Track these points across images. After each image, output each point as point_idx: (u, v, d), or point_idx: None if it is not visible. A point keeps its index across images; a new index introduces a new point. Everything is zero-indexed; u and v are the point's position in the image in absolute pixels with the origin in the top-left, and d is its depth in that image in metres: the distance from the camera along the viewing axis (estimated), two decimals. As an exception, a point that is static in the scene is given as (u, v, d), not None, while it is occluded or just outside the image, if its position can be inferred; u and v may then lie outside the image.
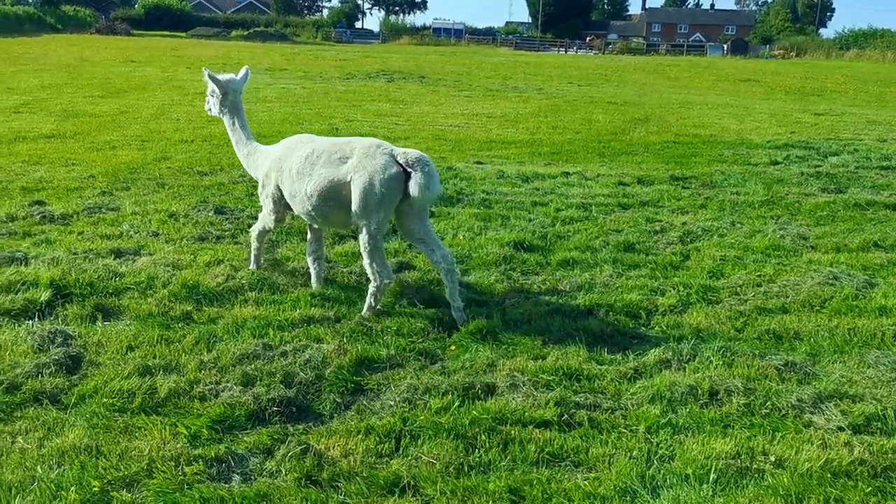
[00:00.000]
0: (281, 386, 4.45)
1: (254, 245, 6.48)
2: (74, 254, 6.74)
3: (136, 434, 3.98)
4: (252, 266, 6.48)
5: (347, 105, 20.05)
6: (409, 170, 5.40)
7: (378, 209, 5.49)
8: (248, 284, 6.05)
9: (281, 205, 6.08)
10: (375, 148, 5.55)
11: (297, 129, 15.34)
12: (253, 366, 4.69)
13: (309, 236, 6.27)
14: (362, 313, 5.69)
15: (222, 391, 4.40)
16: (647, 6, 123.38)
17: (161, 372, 4.61)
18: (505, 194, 9.69)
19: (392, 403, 4.37)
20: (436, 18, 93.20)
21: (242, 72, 6.65)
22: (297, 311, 5.59)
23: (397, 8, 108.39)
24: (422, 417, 4.21)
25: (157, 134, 14.54)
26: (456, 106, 20.82)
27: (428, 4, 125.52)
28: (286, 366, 4.70)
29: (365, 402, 4.41)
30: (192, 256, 6.77)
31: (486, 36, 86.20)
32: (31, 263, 6.49)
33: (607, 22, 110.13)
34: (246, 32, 76.20)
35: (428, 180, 5.36)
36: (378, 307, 5.72)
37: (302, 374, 4.61)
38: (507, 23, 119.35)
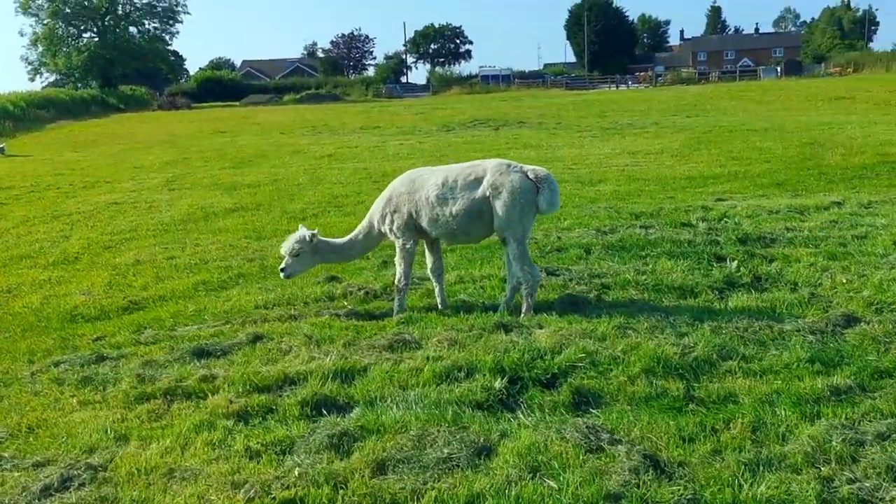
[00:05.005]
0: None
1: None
2: (465, 331, 6.04)
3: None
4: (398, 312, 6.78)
5: (494, 154, 19.44)
6: (538, 185, 6.19)
7: (521, 219, 6.26)
8: (712, 352, 5.25)
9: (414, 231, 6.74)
10: (506, 166, 6.36)
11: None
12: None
13: (429, 256, 6.94)
14: (523, 314, 6.39)
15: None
16: (685, 37, 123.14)
17: (764, 468, 3.82)
18: (805, 230, 8.88)
19: None
20: (482, 66, 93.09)
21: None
22: (814, 381, 4.78)
23: (442, 59, 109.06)
24: None
25: (342, 198, 14.03)
26: (599, 147, 20.20)
27: (472, 53, 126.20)
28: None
29: None
30: (590, 326, 6.00)
31: (535, 79, 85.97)
32: (424, 345, 5.83)
33: (651, 55, 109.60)
34: (298, 96, 76.87)
35: (552, 196, 6.23)
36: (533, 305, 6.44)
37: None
38: (546, 65, 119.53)
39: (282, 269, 6.95)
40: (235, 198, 15.01)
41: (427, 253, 7.01)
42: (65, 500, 4.00)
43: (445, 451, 4.13)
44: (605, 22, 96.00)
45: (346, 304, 7.22)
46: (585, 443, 4.13)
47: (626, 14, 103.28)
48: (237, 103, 75.95)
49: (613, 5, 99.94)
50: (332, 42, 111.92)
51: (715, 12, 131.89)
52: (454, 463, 4.04)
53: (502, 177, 6.31)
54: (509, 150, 20.33)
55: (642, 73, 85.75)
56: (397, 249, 6.86)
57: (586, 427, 4.25)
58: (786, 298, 6.40)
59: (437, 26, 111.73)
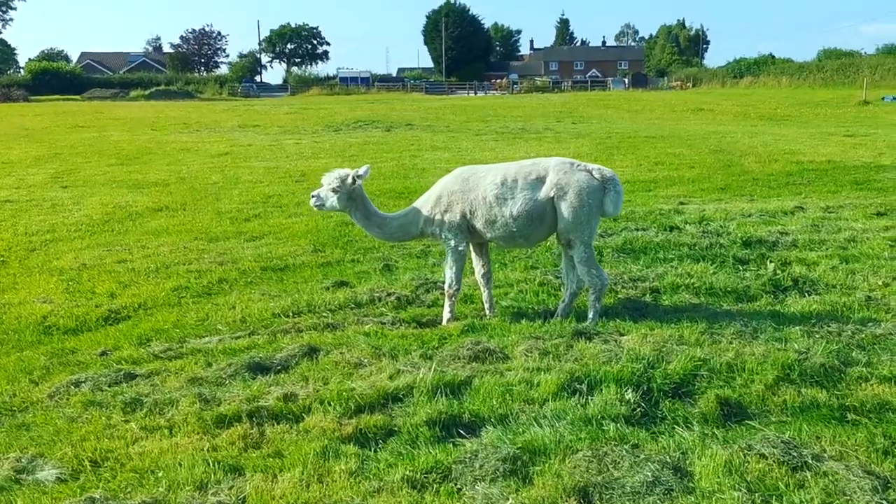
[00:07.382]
0: None
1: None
2: (545, 339, 5.63)
3: None
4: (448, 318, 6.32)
5: (408, 155, 19.10)
6: (605, 186, 5.95)
7: (589, 221, 5.97)
8: (833, 358, 5.09)
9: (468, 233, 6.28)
10: (570, 165, 6.02)
11: (423, 183, 14.34)
12: None
13: (477, 260, 6.50)
14: (590, 319, 6.08)
15: None
16: (535, 47, 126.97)
17: None
18: (796, 234, 9.05)
19: None
20: (340, 68, 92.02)
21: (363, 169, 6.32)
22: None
23: (299, 60, 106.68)
24: None
25: (276, 198, 13.18)
26: (509, 150, 20.19)
27: (329, 55, 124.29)
28: None
29: None
30: (674, 332, 5.75)
31: (395, 83, 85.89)
32: (511, 355, 5.38)
33: (506, 63, 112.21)
34: (146, 92, 73.02)
35: (618, 197, 5.99)
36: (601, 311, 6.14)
37: None
38: (400, 69, 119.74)
39: (314, 195, 6.33)
40: (150, 197, 13.80)
41: (475, 257, 6.53)
42: (223, 553, 3.29)
43: (647, 472, 3.73)
44: (462, 28, 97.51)
45: (384, 311, 6.61)
46: (787, 459, 3.84)
47: (482, 22, 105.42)
48: (78, 97, 71.16)
49: (470, 13, 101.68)
50: (181, 37, 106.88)
51: (564, 24, 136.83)
52: (664, 486, 3.65)
53: (567, 176, 5.98)
54: (421, 152, 19.94)
55: (499, 81, 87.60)
56: (448, 252, 6.33)
57: (782, 442, 3.97)
58: (843, 301, 6.41)
59: (293, 26, 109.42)
